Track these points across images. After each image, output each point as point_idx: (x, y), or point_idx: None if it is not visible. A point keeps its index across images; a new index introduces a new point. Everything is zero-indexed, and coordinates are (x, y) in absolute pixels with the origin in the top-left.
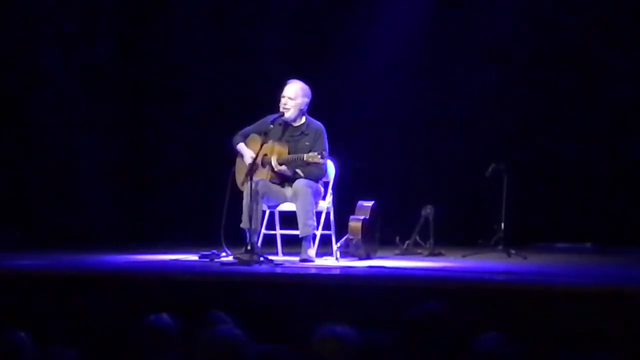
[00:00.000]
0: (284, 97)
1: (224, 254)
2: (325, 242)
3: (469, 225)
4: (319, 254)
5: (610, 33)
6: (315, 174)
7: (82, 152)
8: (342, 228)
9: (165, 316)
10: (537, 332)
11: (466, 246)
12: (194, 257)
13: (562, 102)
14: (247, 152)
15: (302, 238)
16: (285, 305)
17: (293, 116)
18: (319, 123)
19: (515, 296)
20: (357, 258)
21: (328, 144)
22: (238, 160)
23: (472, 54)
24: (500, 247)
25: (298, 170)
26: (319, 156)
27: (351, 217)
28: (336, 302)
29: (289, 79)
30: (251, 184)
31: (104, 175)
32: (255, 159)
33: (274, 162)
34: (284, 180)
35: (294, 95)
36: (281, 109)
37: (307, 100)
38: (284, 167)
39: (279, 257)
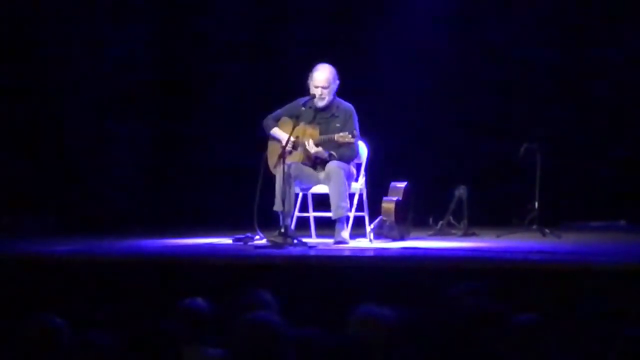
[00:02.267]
0: (317, 87)
1: (257, 237)
2: (358, 223)
3: (503, 205)
4: (352, 236)
5: None
6: (348, 155)
7: (116, 138)
8: (375, 209)
9: (200, 300)
10: (573, 311)
11: (500, 226)
12: (227, 241)
13: (592, 81)
14: (283, 136)
15: (335, 220)
16: (320, 288)
17: (328, 102)
18: (348, 104)
19: (550, 275)
20: (390, 239)
21: (359, 125)
22: (270, 143)
23: (504, 34)
24: (534, 227)
25: (333, 152)
26: (350, 136)
27: (384, 198)
28: (371, 284)
29: (316, 64)
30: (284, 167)
31: (138, 161)
32: (287, 142)
33: (310, 145)
34: (317, 162)
35: (327, 82)
36: (316, 100)
37: (338, 82)
38: (320, 149)
39: (313, 240)
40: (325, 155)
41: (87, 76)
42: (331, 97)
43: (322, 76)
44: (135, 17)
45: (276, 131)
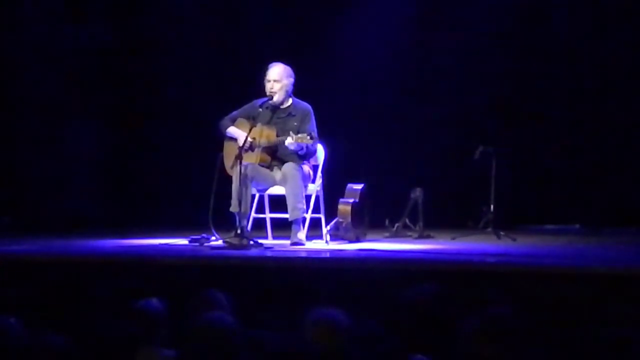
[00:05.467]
0: (269, 81)
1: (213, 238)
2: (315, 225)
3: (458, 208)
4: (308, 237)
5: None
6: (311, 150)
7: (71, 138)
8: (331, 211)
9: (154, 300)
10: (526, 314)
11: (455, 228)
12: (183, 242)
13: (548, 85)
14: (240, 134)
15: (291, 221)
16: (275, 289)
17: (281, 98)
18: (306, 104)
19: (505, 278)
20: (346, 241)
21: (317, 126)
22: (226, 144)
23: (461, 37)
24: (489, 229)
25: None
26: (308, 137)
27: (340, 200)
28: (326, 285)
29: (270, 63)
30: (240, 168)
31: (93, 161)
32: (243, 143)
33: (291, 139)
34: (273, 164)
35: (279, 77)
36: (268, 94)
37: (291, 80)
38: (296, 144)
39: (269, 241)
40: (297, 147)
41: (41, 74)
42: (284, 93)
43: (274, 71)
44: (89, 13)
45: (233, 130)
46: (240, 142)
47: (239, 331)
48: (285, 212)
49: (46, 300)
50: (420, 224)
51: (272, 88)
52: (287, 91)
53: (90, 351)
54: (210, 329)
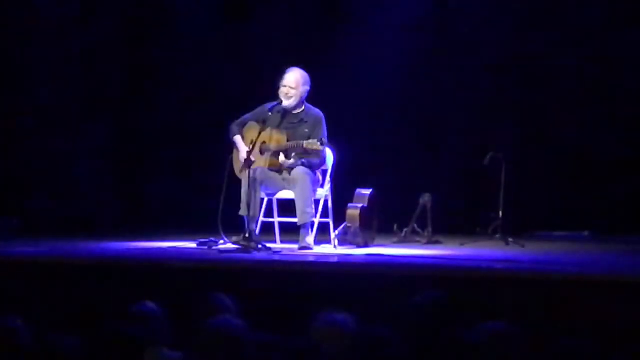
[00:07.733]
0: (285, 86)
1: (222, 241)
2: (323, 230)
3: (467, 214)
4: (317, 242)
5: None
6: (316, 164)
7: (80, 139)
8: (340, 216)
9: (149, 303)
10: (535, 321)
11: (464, 234)
12: (192, 245)
13: (560, 89)
14: (242, 148)
15: (300, 226)
16: (283, 293)
17: (294, 104)
18: (318, 110)
19: (513, 284)
20: (355, 246)
21: (327, 131)
22: (236, 148)
23: (471, 40)
24: (498, 236)
25: (305, 161)
26: (319, 143)
27: (349, 205)
28: (334, 290)
29: (289, 67)
30: (249, 172)
31: (102, 163)
32: (253, 146)
33: (282, 159)
34: (283, 168)
35: (296, 84)
36: (282, 97)
37: (307, 88)
38: (292, 161)
39: (278, 245)
40: (299, 163)
41: (51, 72)
42: (299, 100)
43: (292, 77)
44: (100, 13)
45: (238, 140)
46: (241, 157)
47: (246, 335)
48: (294, 216)
49: (53, 302)
50: (429, 229)
51: (287, 93)
52: (301, 98)
53: (97, 353)
54: (218, 332)
